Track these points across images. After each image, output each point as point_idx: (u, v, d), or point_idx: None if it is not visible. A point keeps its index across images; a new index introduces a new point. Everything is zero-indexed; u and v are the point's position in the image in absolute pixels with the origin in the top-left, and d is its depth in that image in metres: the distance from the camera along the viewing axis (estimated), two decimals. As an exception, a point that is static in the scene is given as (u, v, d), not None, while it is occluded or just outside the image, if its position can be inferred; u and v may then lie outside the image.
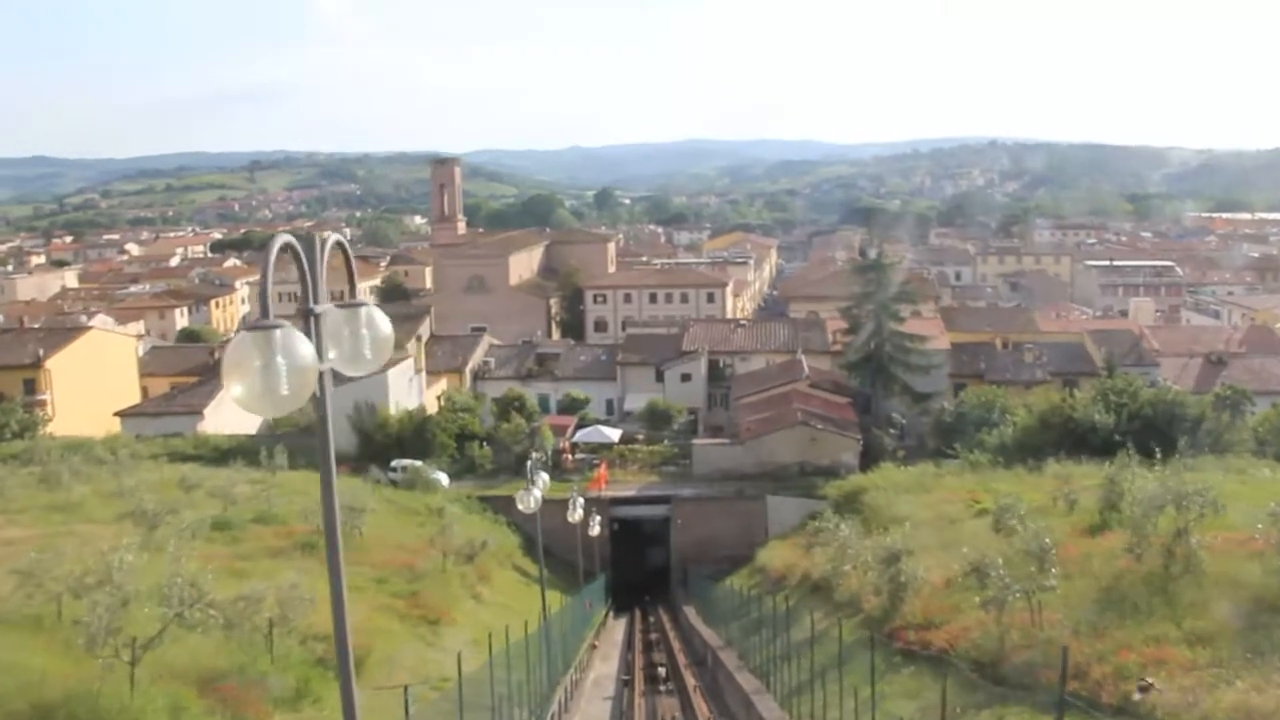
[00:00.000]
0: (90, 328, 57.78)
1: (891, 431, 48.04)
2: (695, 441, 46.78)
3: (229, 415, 50.17)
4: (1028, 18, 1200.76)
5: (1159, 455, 22.61)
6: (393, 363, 51.01)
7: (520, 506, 17.44)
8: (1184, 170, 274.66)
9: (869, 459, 42.34)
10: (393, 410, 46.19)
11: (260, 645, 12.83)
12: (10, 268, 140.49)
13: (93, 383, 51.79)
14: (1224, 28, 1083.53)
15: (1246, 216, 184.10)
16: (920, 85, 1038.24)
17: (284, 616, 13.40)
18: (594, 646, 27.62)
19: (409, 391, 49.45)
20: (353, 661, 4.93)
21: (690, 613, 34.71)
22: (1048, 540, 12.95)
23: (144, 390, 56.34)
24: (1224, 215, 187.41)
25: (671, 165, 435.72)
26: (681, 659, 28.19)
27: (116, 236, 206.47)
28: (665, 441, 47.93)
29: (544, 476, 18.68)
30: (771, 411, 46.26)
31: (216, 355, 61.51)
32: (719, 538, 40.03)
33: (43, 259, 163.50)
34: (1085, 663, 10.40)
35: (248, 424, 50.34)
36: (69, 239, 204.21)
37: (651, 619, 38.70)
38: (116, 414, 49.25)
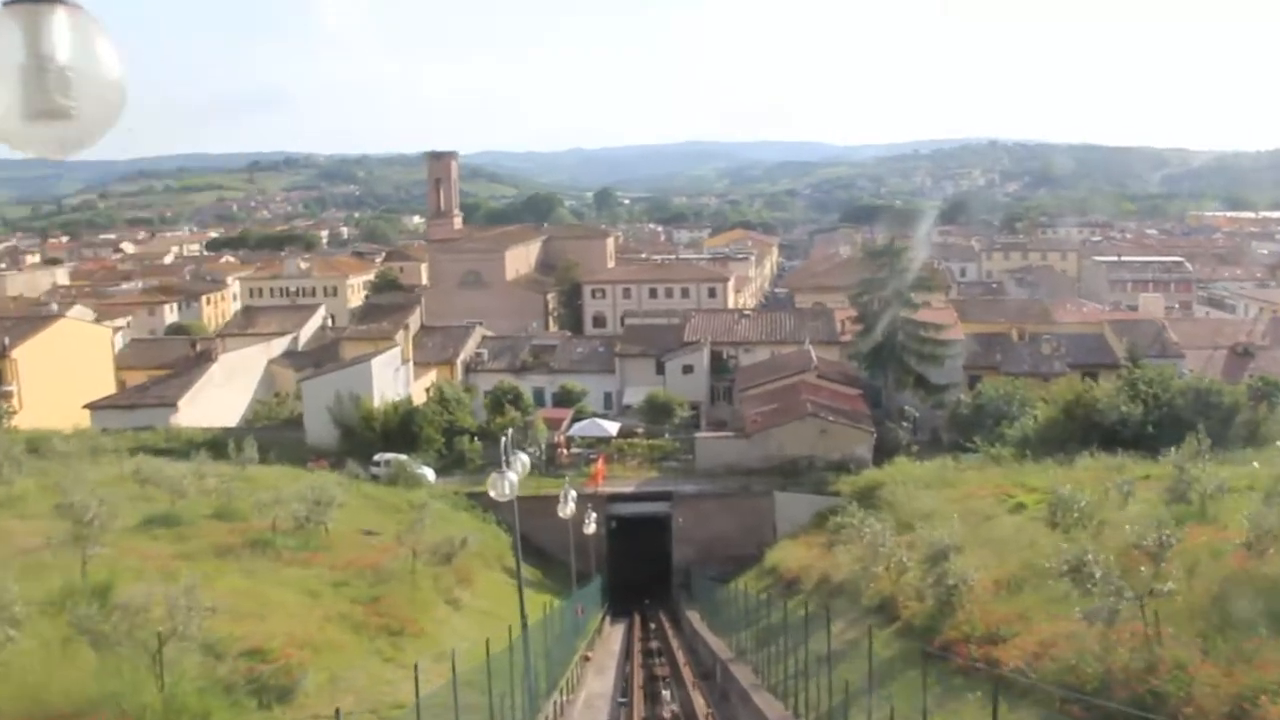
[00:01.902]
0: (61, 316, 55.14)
1: (904, 424, 45.80)
2: (698, 435, 44.27)
3: (204, 408, 47.70)
4: (1028, 19, 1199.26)
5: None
6: (377, 350, 48.38)
7: (492, 493, 14.74)
8: (1184, 171, 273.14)
9: (881, 453, 40.37)
10: (377, 402, 43.55)
11: (150, 667, 10.13)
12: (4, 265, 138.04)
13: (64, 374, 49.28)
14: (1225, 29, 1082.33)
15: (1251, 215, 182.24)
16: (921, 86, 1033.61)
17: (176, 630, 10.62)
18: (586, 658, 24.89)
19: (395, 382, 46.81)
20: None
21: (694, 618, 32.11)
22: (1168, 532, 10.27)
23: (121, 384, 54.09)
24: (1228, 214, 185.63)
25: (672, 167, 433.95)
26: (686, 672, 25.52)
27: (113, 236, 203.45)
28: (666, 435, 45.43)
29: (523, 459, 16.07)
30: (779, 403, 43.73)
31: (198, 348, 58.95)
32: (724, 536, 37.49)
33: (37, 258, 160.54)
34: (1247, 697, 7.74)
35: (223, 417, 47.79)
36: (65, 239, 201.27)
37: (652, 625, 36.06)
38: (86, 406, 46.68)
